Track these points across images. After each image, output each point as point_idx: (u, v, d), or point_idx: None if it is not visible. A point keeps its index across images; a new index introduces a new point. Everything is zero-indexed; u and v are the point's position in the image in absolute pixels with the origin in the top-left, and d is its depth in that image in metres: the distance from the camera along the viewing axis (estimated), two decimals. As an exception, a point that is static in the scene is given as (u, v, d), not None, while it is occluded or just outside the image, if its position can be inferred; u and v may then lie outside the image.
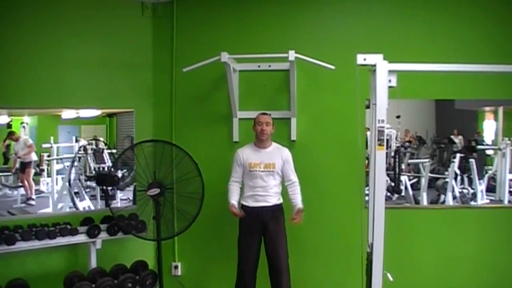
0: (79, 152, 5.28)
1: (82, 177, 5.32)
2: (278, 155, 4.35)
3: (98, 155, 5.33)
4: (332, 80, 4.65)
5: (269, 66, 4.75)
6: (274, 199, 4.33)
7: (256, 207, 4.30)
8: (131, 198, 5.25)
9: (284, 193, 4.38)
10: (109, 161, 5.39)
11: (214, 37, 4.96)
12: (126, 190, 5.30)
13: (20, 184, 5.06)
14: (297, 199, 4.29)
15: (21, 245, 4.09)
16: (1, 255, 4.05)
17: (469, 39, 4.61)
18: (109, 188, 4.97)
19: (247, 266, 4.33)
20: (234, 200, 4.32)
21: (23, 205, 5.03)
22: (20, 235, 4.10)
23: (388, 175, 4.93)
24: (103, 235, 4.50)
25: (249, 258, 4.33)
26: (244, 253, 4.35)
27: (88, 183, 5.28)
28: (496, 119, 5.15)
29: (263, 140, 4.36)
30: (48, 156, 5.22)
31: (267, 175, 4.30)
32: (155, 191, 4.45)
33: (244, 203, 4.37)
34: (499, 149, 5.11)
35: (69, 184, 5.16)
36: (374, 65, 3.41)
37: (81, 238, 4.40)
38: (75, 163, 5.27)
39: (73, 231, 4.36)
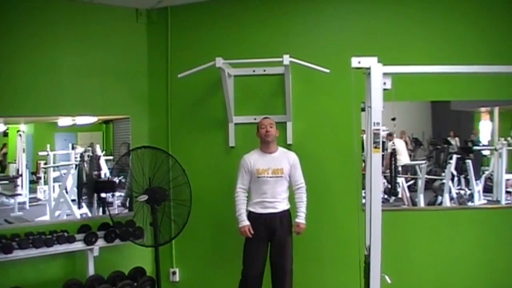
0: (76, 159, 5.28)
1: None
2: (285, 159, 4.31)
3: (94, 162, 5.32)
4: (327, 83, 4.64)
5: (264, 70, 4.75)
6: (282, 205, 4.28)
7: (264, 214, 4.24)
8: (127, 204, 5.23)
9: (291, 197, 4.37)
10: (103, 168, 5.38)
11: (208, 43, 4.96)
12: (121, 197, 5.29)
13: (17, 192, 5.06)
14: (300, 210, 4.27)
15: (19, 254, 4.08)
16: (-2, 263, 4.05)
17: (464, 40, 4.61)
18: (108, 194, 4.99)
19: (253, 272, 4.25)
20: (245, 220, 4.25)
21: (20, 213, 5.02)
22: (17, 244, 4.09)
23: (384, 177, 4.94)
24: (101, 242, 4.49)
25: (256, 264, 4.26)
26: (250, 258, 4.28)
27: (84, 190, 5.26)
28: (492, 119, 5.15)
29: (268, 142, 4.30)
30: (45, 163, 5.22)
31: (276, 181, 4.25)
32: (143, 197, 4.43)
33: (251, 209, 4.30)
34: (495, 149, 5.11)
35: (80, 189, 5.15)
36: (369, 68, 3.42)
37: (78, 245, 4.39)
38: (72, 171, 5.26)
39: (71, 239, 4.35)
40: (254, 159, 4.31)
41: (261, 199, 4.26)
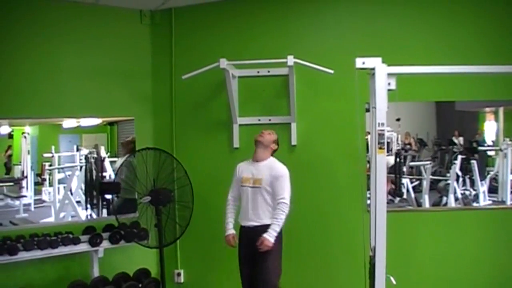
0: (80, 161, 5.29)
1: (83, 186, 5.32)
2: (268, 170, 4.07)
3: (99, 163, 5.33)
4: (332, 84, 4.63)
5: (268, 71, 4.74)
6: (265, 219, 4.02)
7: (247, 227, 4.09)
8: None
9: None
10: (107, 169, 5.38)
11: (212, 44, 4.97)
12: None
13: (22, 194, 5.07)
14: (271, 227, 3.93)
15: (23, 255, 4.07)
16: (3, 265, 4.04)
17: (468, 40, 4.60)
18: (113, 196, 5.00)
19: None
20: (231, 229, 4.19)
21: (25, 215, 5.04)
22: (22, 245, 4.09)
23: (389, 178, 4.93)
24: (105, 243, 4.49)
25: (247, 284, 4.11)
26: (243, 279, 4.15)
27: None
28: (496, 119, 5.14)
29: (258, 143, 4.15)
30: (50, 165, 5.23)
31: (255, 191, 4.06)
32: (146, 198, 4.44)
33: (240, 222, 4.18)
34: (500, 149, 5.09)
35: (88, 191, 5.15)
36: (373, 69, 3.41)
37: (83, 247, 4.39)
38: (77, 172, 5.27)
39: (75, 240, 4.35)
40: (242, 168, 4.22)
41: (244, 209, 4.14)
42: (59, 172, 5.27)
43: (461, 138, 5.21)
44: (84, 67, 4.84)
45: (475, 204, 5.05)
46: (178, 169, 4.66)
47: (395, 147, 5.10)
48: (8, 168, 5.22)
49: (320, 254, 4.81)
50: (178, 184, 4.69)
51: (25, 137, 5.12)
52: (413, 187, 5.34)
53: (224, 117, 4.92)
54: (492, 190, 5.14)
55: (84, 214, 5.15)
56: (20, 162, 5.16)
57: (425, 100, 4.89)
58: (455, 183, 5.12)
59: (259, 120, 4.77)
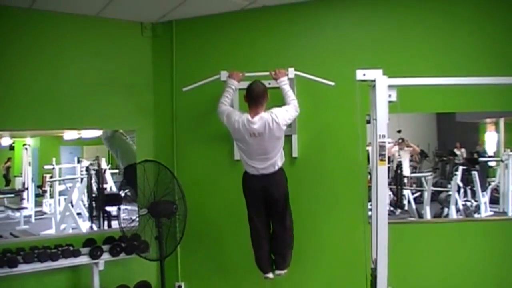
0: (81, 173, 5.29)
1: (85, 198, 5.32)
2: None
3: (100, 175, 5.33)
4: (333, 96, 4.63)
5: (269, 83, 4.70)
6: None
7: None
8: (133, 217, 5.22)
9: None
10: (108, 181, 5.38)
11: (213, 56, 4.97)
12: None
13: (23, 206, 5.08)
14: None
15: (23, 268, 4.06)
16: (3, 277, 4.01)
17: (469, 52, 4.59)
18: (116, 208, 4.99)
19: None
20: None
21: (26, 226, 5.04)
22: (22, 258, 4.07)
23: (390, 189, 4.92)
24: (106, 256, 4.47)
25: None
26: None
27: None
28: (497, 130, 5.14)
29: None
30: (51, 177, 5.23)
31: None
32: (143, 211, 4.43)
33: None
34: (501, 160, 5.09)
35: (92, 201, 5.15)
36: (374, 81, 3.41)
37: (83, 259, 4.37)
38: (78, 184, 5.28)
39: (76, 253, 4.33)
40: None
41: None
42: (60, 184, 5.28)
43: (463, 150, 5.22)
44: (85, 79, 4.83)
45: (476, 215, 5.06)
46: (173, 181, 4.63)
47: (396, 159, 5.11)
48: (8, 180, 5.23)
49: (321, 266, 4.79)
50: (171, 197, 4.65)
51: (26, 149, 5.14)
52: (414, 198, 5.34)
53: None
54: (494, 201, 5.15)
55: (84, 226, 5.14)
56: (21, 173, 5.17)
57: (426, 112, 4.89)
58: (456, 194, 5.13)
59: (260, 132, 4.76)
